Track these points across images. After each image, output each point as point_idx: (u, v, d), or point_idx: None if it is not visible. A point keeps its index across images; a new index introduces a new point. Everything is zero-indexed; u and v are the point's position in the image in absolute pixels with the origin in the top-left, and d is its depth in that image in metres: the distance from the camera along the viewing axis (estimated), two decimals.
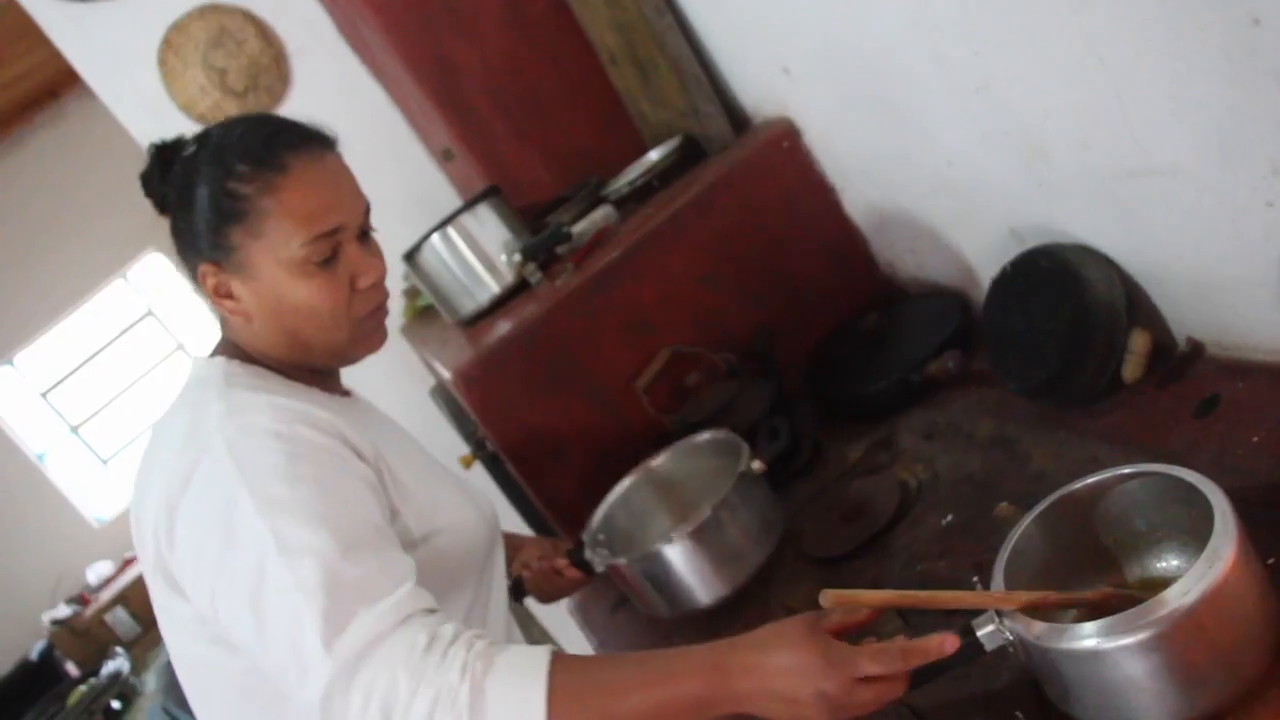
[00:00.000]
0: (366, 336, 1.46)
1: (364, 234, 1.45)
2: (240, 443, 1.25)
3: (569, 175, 2.57)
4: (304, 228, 1.35)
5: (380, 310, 1.48)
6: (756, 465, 1.70)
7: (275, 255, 1.36)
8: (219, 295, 1.40)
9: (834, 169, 2.12)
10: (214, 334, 1.51)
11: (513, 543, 1.91)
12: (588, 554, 1.77)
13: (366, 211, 1.44)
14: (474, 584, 1.53)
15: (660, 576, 1.68)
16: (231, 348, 1.46)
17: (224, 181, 1.35)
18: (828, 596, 1.10)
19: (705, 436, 1.87)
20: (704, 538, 1.64)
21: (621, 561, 1.71)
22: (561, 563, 1.79)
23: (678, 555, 1.65)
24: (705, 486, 1.84)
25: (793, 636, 1.10)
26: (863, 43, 1.74)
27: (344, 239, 1.40)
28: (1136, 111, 1.31)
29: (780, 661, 1.08)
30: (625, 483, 1.90)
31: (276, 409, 1.30)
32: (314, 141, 1.40)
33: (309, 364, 1.47)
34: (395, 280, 2.90)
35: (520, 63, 2.58)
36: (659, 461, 1.92)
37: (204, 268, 1.40)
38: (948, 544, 1.50)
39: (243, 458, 1.24)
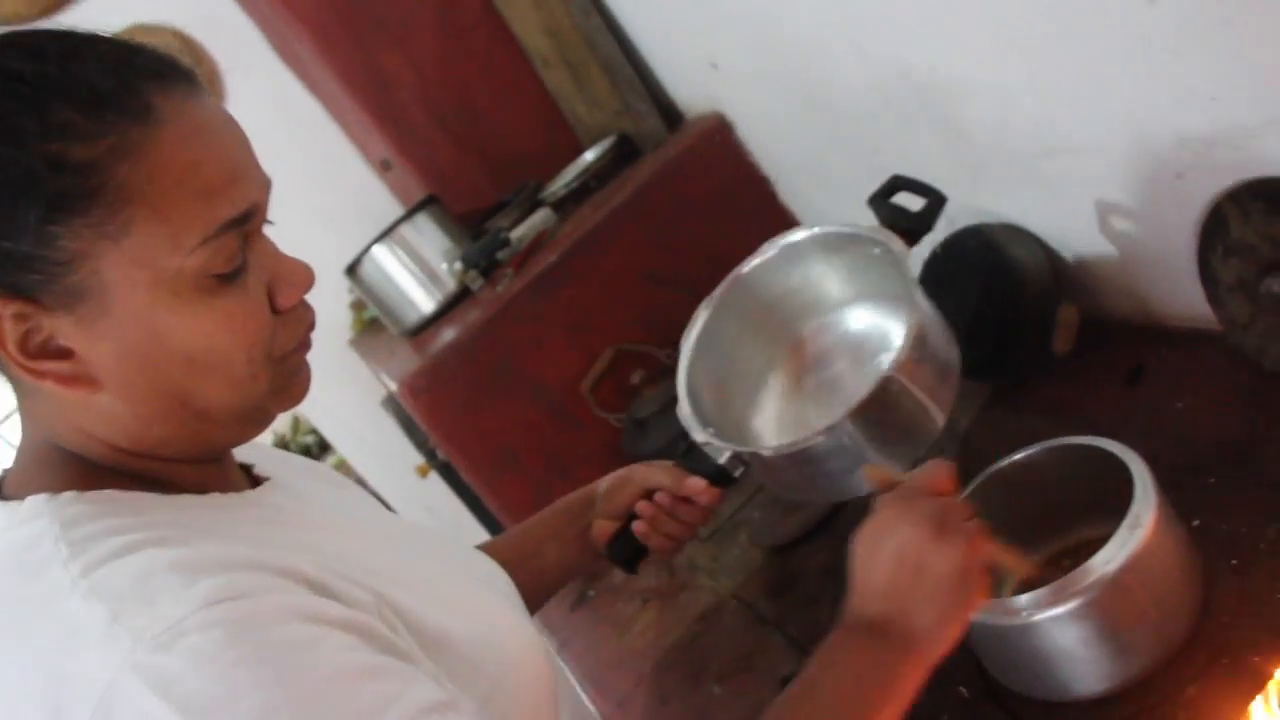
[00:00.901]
0: (289, 383, 0.90)
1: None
2: (170, 682, 0.68)
3: (508, 180, 2.57)
4: (200, 214, 0.79)
5: (307, 342, 0.91)
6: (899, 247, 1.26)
7: (148, 269, 0.78)
8: (31, 355, 0.79)
9: (767, 160, 2.14)
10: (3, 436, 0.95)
11: (571, 506, 1.41)
12: (722, 458, 1.29)
13: (269, 188, 0.87)
14: None
15: (825, 461, 1.24)
16: (53, 462, 0.85)
17: (42, 143, 0.74)
18: (869, 473, 1.07)
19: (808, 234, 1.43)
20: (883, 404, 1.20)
21: (767, 453, 1.27)
22: (696, 484, 1.29)
23: (850, 435, 1.21)
24: (811, 303, 1.48)
25: (867, 544, 0.99)
26: (785, 35, 1.76)
27: (254, 230, 0.85)
28: (1051, 92, 1.34)
29: (885, 565, 0.96)
30: (692, 338, 1.48)
31: (204, 578, 0.72)
32: (182, 74, 0.82)
33: (197, 449, 0.88)
34: (341, 294, 2.91)
35: (453, 70, 2.58)
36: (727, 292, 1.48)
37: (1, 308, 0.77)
38: None
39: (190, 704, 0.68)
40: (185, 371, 0.82)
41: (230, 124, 0.85)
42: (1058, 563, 1.16)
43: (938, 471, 1.01)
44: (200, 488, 0.88)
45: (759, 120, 2.08)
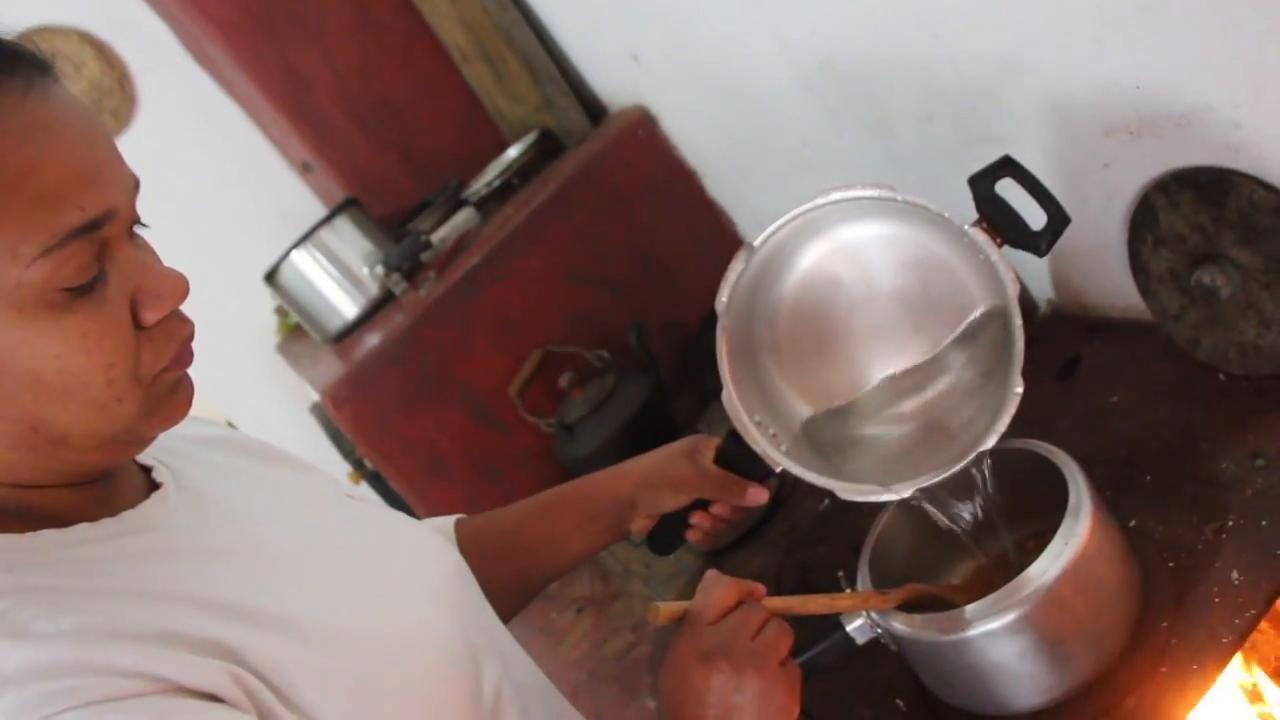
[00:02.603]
0: (164, 403, 0.81)
1: (131, 230, 0.80)
2: None
3: (432, 179, 2.51)
4: (40, 221, 0.70)
5: (183, 358, 0.81)
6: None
7: None
8: None
9: (693, 154, 2.09)
10: None
11: (595, 496, 1.28)
12: (775, 460, 1.14)
13: (136, 190, 0.79)
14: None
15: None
16: None
17: None
18: (657, 612, 0.97)
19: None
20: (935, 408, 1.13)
21: (821, 479, 1.12)
22: (759, 497, 1.18)
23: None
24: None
25: (671, 694, 0.93)
26: (705, 27, 1.71)
27: (113, 237, 0.75)
28: (973, 81, 1.31)
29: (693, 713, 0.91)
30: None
31: (10, 692, 0.66)
32: (26, 65, 0.73)
33: (61, 476, 0.80)
34: (266, 299, 2.83)
35: (371, 68, 2.51)
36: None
37: None
38: (825, 529, 1.48)
39: None
40: (34, 395, 0.73)
41: (84, 120, 0.75)
42: (1004, 563, 1.13)
43: (715, 592, 0.95)
44: (69, 516, 0.80)
45: (683, 113, 2.03)
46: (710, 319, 1.98)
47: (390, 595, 0.95)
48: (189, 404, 0.84)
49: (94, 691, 0.67)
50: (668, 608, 0.95)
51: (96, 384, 0.75)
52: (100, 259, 0.74)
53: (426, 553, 1.06)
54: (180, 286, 0.79)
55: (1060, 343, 1.44)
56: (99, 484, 0.84)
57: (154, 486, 0.89)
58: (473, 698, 0.92)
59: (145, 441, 0.84)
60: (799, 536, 1.51)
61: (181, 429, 0.90)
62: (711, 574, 0.98)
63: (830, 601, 1.04)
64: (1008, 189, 1.03)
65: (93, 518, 0.81)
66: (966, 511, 1.13)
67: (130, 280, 0.77)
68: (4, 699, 0.66)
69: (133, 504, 0.85)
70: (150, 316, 0.77)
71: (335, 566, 0.94)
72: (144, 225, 0.81)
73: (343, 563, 0.95)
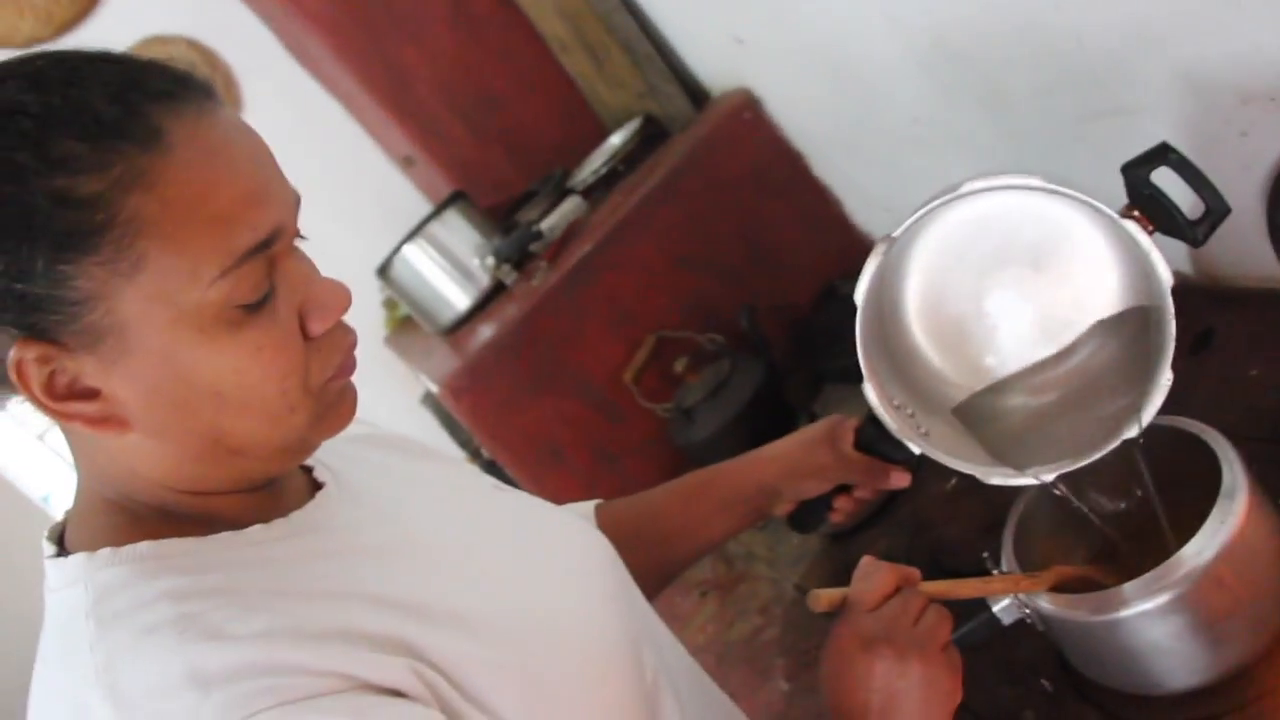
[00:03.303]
0: (331, 411, 0.84)
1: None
2: None
3: (533, 169, 2.53)
4: (217, 243, 0.74)
5: (347, 367, 0.85)
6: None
7: (167, 305, 0.74)
8: (58, 397, 0.75)
9: (799, 136, 2.08)
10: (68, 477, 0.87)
11: (735, 482, 1.28)
12: (915, 444, 1.13)
13: (298, 205, 0.83)
14: None
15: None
16: (96, 510, 0.83)
17: (45, 179, 0.70)
18: (818, 599, 0.98)
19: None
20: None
21: (960, 462, 1.12)
22: (903, 480, 1.19)
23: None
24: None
25: (832, 682, 0.94)
26: (812, 7, 1.70)
27: (280, 254, 0.79)
28: (1098, 53, 1.28)
29: (857, 704, 0.91)
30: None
31: (216, 691, 0.71)
32: (195, 91, 0.76)
33: (238, 483, 0.85)
34: (373, 293, 2.88)
35: (470, 61, 2.53)
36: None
37: (21, 350, 0.73)
38: (954, 508, 1.48)
39: None
40: (216, 409, 0.77)
41: (250, 140, 0.79)
42: (1142, 551, 1.11)
43: (875, 578, 0.95)
44: (244, 519, 0.84)
45: (788, 95, 2.02)
46: (821, 300, 1.99)
47: (550, 585, 0.97)
48: (354, 410, 0.87)
49: (291, 691, 0.71)
50: (827, 595, 0.96)
51: (272, 395, 0.78)
52: (270, 275, 0.78)
53: (579, 541, 1.08)
54: (344, 296, 0.83)
55: (1191, 316, 1.41)
56: (269, 487, 0.88)
57: (316, 486, 0.93)
58: (636, 684, 0.94)
59: (314, 448, 0.87)
60: (926, 517, 1.51)
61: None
62: (868, 560, 0.98)
63: (983, 585, 1.04)
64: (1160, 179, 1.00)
65: (265, 520, 0.85)
66: (1110, 492, 1.12)
67: (297, 293, 0.80)
68: (210, 698, 0.69)
69: (299, 505, 0.89)
70: (318, 328, 0.81)
71: (494, 559, 0.96)
72: (303, 238, 0.84)
73: (501, 555, 0.97)
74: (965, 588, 1.02)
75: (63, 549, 0.83)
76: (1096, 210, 0.99)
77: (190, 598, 0.76)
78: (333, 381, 0.83)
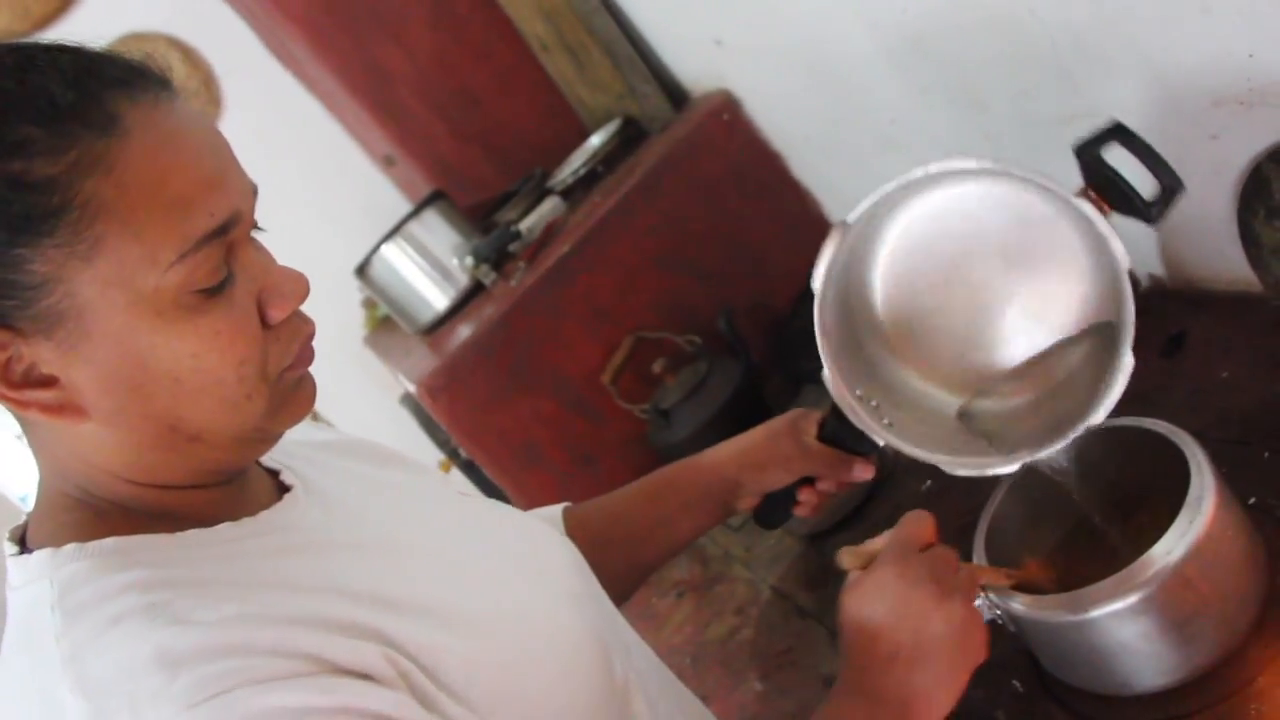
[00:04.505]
0: (289, 400, 0.84)
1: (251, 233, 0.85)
2: None
3: (513, 169, 2.53)
4: (175, 227, 0.74)
5: (305, 356, 0.85)
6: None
7: (125, 289, 0.74)
8: (14, 385, 0.75)
9: (777, 137, 2.09)
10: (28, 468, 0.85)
11: (697, 479, 1.29)
12: (878, 435, 1.15)
13: (255, 195, 0.83)
14: None
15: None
16: (58, 506, 0.82)
17: (1, 162, 0.71)
18: (854, 555, 1.00)
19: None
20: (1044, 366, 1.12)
21: (924, 453, 1.15)
22: (866, 472, 1.21)
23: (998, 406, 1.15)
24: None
25: (860, 604, 0.96)
26: (791, 9, 1.70)
27: (238, 239, 0.80)
28: (1071, 55, 1.29)
29: (882, 628, 0.94)
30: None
31: (185, 672, 0.70)
32: (152, 80, 0.77)
33: (197, 475, 0.84)
34: (352, 292, 2.87)
35: (451, 60, 2.53)
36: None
37: None
38: (929, 509, 1.47)
39: None
40: (173, 394, 0.77)
41: (206, 129, 0.81)
42: (1114, 553, 1.12)
43: (922, 524, 0.98)
44: (210, 517, 0.83)
45: (767, 96, 2.03)
46: (800, 301, 1.99)
47: (518, 584, 0.97)
48: (312, 401, 0.87)
49: (261, 670, 0.70)
50: (857, 551, 1.00)
51: (229, 381, 0.79)
52: (228, 261, 0.79)
53: (543, 543, 1.08)
54: (302, 285, 0.83)
55: (1164, 318, 1.42)
56: (233, 487, 0.88)
57: (283, 489, 0.93)
58: (606, 682, 0.93)
59: (272, 440, 0.88)
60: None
61: (299, 434, 0.95)
62: (914, 511, 1.01)
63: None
64: (1114, 158, 1.00)
65: (233, 518, 0.85)
66: (1079, 490, 1.12)
67: (255, 281, 0.81)
68: (179, 679, 0.69)
69: (267, 506, 0.89)
70: (276, 315, 0.82)
71: (462, 559, 0.96)
72: (261, 229, 0.85)
73: (468, 554, 0.98)
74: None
75: (25, 548, 0.82)
76: (1054, 194, 0.98)
77: (157, 588, 0.75)
78: (290, 371, 0.84)
